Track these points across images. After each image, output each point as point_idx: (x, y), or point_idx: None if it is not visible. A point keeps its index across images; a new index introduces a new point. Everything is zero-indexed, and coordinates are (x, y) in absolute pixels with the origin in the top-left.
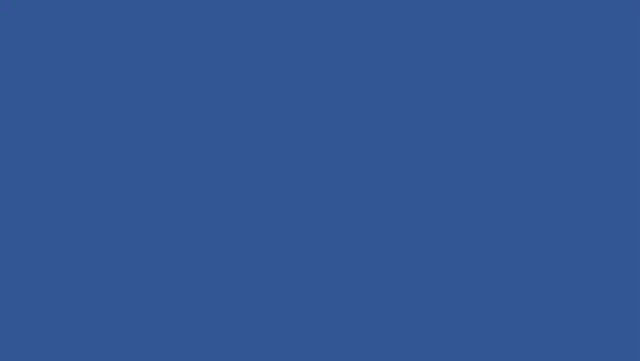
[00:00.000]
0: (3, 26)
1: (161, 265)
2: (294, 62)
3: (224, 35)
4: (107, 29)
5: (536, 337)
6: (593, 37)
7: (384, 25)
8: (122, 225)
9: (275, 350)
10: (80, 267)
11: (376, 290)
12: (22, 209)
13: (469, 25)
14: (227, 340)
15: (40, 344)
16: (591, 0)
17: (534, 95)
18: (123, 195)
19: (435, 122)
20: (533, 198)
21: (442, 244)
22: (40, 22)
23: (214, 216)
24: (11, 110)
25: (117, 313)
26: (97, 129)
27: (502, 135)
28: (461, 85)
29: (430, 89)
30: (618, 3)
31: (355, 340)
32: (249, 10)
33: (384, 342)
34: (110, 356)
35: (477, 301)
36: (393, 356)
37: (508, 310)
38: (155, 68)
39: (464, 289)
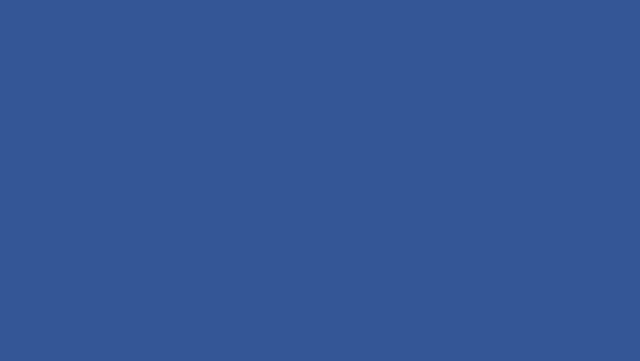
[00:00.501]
0: (3, 26)
1: (161, 265)
2: (294, 62)
3: (225, 35)
4: (107, 29)
5: (536, 337)
6: (593, 37)
7: (384, 25)
8: (122, 225)
9: (275, 350)
10: (80, 267)
11: (376, 290)
12: (22, 209)
13: (469, 25)
14: (227, 340)
15: (40, 344)
16: (591, 0)
17: (534, 95)
18: (123, 195)
19: (435, 122)
20: (533, 199)
21: (442, 244)
22: (40, 22)
23: (214, 216)
24: (11, 110)
25: (117, 313)
26: (97, 129)
27: (502, 135)
28: (461, 85)
29: (430, 89)
30: (618, 3)
31: (355, 340)
32: (249, 10)
33: (384, 342)
34: (110, 356)
35: (477, 301)
36: (394, 356)
37: (509, 310)
38: (156, 68)
39: (464, 289)
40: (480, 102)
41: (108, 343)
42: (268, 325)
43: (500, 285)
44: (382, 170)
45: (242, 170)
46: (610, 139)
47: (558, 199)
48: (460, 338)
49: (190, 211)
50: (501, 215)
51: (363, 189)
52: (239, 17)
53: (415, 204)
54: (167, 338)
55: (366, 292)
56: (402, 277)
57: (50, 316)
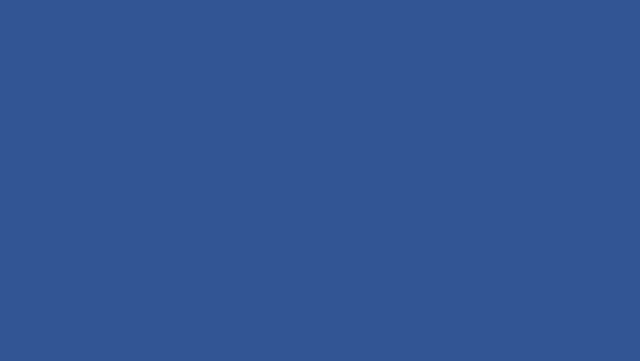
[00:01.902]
0: (3, 26)
1: (161, 265)
2: (295, 62)
3: (225, 35)
4: (107, 29)
5: (536, 337)
6: (594, 38)
7: (384, 25)
8: (123, 225)
9: (275, 350)
10: (80, 267)
11: (376, 290)
12: (22, 209)
13: (469, 25)
14: (227, 340)
15: (40, 344)
16: (592, 0)
17: (536, 95)
18: (123, 195)
19: (435, 122)
20: (534, 199)
21: (442, 244)
22: (40, 22)
23: (214, 217)
24: (11, 110)
25: (117, 313)
26: (97, 129)
27: (502, 135)
28: (461, 85)
29: (430, 89)
30: (618, 3)
31: (355, 340)
32: (249, 10)
33: (385, 342)
34: (110, 356)
35: (477, 301)
36: (394, 356)
37: (509, 310)
38: (155, 68)
39: (464, 289)
40: (480, 102)
41: (108, 343)
42: (268, 325)
43: (501, 285)
44: (382, 170)
45: (242, 170)
46: (611, 139)
47: (559, 199)
48: (460, 337)
49: (190, 211)
50: (502, 215)
51: (363, 189)
52: (239, 17)
53: (416, 203)
54: (168, 338)
55: (366, 292)
56: (402, 277)
57: (50, 316)
